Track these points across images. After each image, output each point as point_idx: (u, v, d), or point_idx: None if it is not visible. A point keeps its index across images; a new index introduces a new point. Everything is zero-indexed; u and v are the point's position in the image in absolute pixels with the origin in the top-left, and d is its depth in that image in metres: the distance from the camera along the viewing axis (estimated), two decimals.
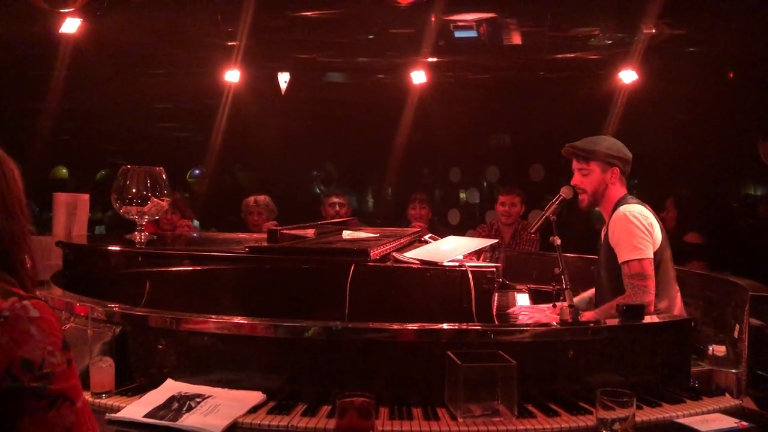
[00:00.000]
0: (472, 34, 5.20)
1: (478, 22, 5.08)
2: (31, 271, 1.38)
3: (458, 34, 5.21)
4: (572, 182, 3.02)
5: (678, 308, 2.87)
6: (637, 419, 1.85)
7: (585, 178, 2.97)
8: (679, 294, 2.91)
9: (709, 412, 2.00)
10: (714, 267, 3.80)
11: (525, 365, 1.94)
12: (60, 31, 4.75)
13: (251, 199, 5.45)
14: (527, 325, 2.55)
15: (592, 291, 3.22)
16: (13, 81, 6.22)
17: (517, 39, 5.32)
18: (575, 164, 3.02)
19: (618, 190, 2.96)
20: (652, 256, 2.75)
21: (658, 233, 2.82)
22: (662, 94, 5.99)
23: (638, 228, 2.76)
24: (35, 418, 1.18)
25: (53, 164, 7.95)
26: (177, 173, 7.19)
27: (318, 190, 8.50)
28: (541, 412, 1.94)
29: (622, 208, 2.85)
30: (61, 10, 4.50)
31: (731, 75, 5.88)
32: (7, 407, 1.18)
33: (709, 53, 5.55)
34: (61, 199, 3.36)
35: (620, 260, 2.78)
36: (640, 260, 2.73)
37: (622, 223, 2.80)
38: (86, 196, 3.43)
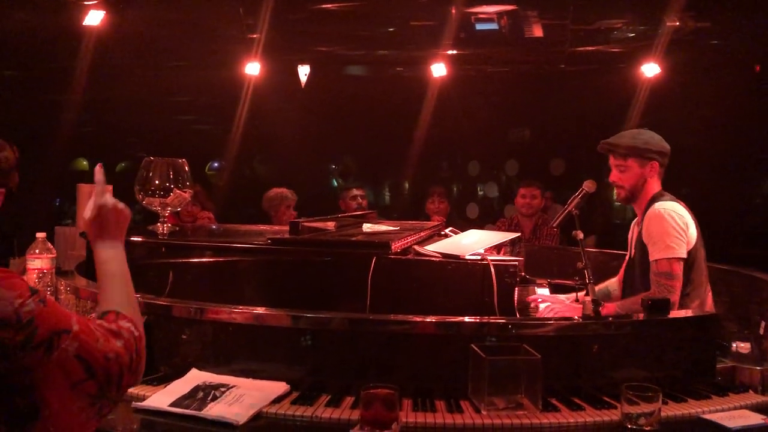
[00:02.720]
0: (493, 26, 5.16)
1: (500, 14, 5.05)
2: None
3: (479, 26, 5.17)
4: (610, 179, 2.98)
5: (708, 308, 2.83)
6: (663, 414, 1.84)
7: (623, 174, 2.92)
8: (710, 294, 2.86)
9: (735, 409, 1.98)
10: (738, 264, 3.75)
11: (549, 359, 1.93)
12: (84, 23, 4.78)
13: (287, 190, 5.40)
14: (551, 319, 2.54)
15: (609, 282, 3.20)
16: (37, 73, 6.28)
17: (538, 31, 5.27)
18: (612, 160, 2.96)
19: (655, 184, 2.92)
20: (683, 256, 2.71)
21: (693, 232, 2.78)
22: (685, 89, 5.92)
23: (673, 227, 2.72)
24: (43, 368, 1.19)
25: (74, 156, 8.02)
26: (196, 166, 7.22)
27: (335, 184, 8.51)
28: (565, 406, 1.93)
29: (658, 205, 2.81)
30: (85, 2, 4.53)
31: (757, 69, 5.79)
32: (9, 369, 1.18)
33: (735, 46, 5.47)
34: (85, 189, 3.39)
35: (651, 257, 2.75)
36: (669, 260, 2.70)
37: (657, 221, 2.76)
38: (109, 187, 3.44)
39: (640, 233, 2.88)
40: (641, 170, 2.90)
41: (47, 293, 1.28)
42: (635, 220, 3.10)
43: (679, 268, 2.70)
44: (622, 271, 3.20)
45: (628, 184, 2.92)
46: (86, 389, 1.23)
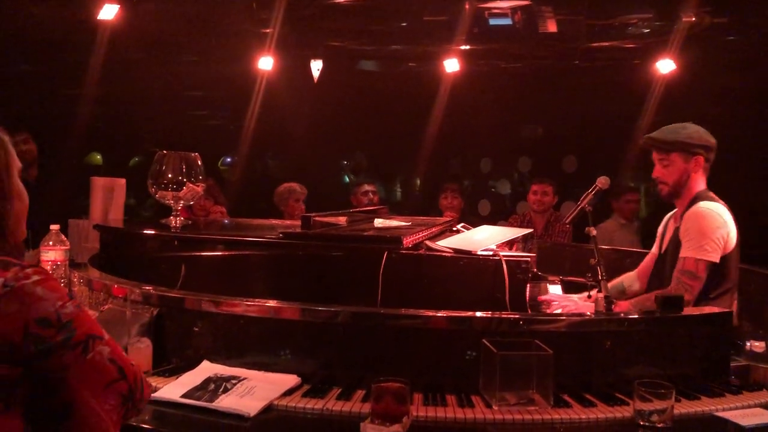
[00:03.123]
0: (507, 21, 5.14)
1: (513, 9, 5.02)
2: (17, 235, 1.47)
3: (493, 21, 5.15)
4: (653, 175, 2.92)
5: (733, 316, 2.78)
6: (676, 412, 1.82)
7: (666, 169, 2.85)
8: (735, 303, 2.81)
9: (748, 407, 1.96)
10: (753, 263, 3.72)
11: (561, 355, 1.91)
12: (98, 18, 4.80)
13: (295, 185, 5.43)
14: (563, 315, 2.53)
15: (624, 276, 3.17)
16: (51, 67, 6.32)
17: (552, 27, 5.24)
18: (655, 155, 2.90)
19: (700, 181, 2.85)
20: (713, 260, 2.66)
21: (733, 236, 2.72)
22: (701, 86, 5.85)
23: (712, 229, 2.68)
24: (79, 367, 1.29)
25: (88, 150, 8.07)
26: (209, 161, 7.25)
27: (347, 179, 8.52)
28: (577, 402, 1.92)
29: (703, 204, 2.75)
30: None
31: None
32: (49, 366, 1.26)
33: (752, 43, 5.40)
34: (98, 183, 3.42)
35: (681, 253, 2.71)
36: (698, 260, 2.66)
37: (698, 219, 2.71)
38: (123, 181, 3.48)
39: (677, 229, 2.82)
40: (685, 165, 2.82)
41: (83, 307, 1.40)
42: (671, 214, 3.04)
43: (704, 272, 2.65)
44: (642, 265, 3.16)
45: (671, 180, 2.85)
46: (119, 388, 1.34)
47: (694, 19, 4.97)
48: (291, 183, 5.49)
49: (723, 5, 4.90)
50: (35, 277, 1.30)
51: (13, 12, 4.97)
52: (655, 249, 3.11)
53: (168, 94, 6.87)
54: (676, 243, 2.80)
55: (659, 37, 5.36)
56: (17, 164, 1.46)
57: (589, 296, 2.80)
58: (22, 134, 4.82)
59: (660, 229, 3.10)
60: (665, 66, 5.60)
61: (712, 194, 2.85)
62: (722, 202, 2.82)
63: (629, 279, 3.18)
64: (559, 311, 2.82)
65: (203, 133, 7.84)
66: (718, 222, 2.69)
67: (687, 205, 2.83)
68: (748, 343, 2.36)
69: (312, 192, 5.61)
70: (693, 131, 2.84)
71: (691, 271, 2.67)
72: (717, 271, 2.70)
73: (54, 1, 4.86)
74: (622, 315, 2.31)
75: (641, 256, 3.71)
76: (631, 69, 5.94)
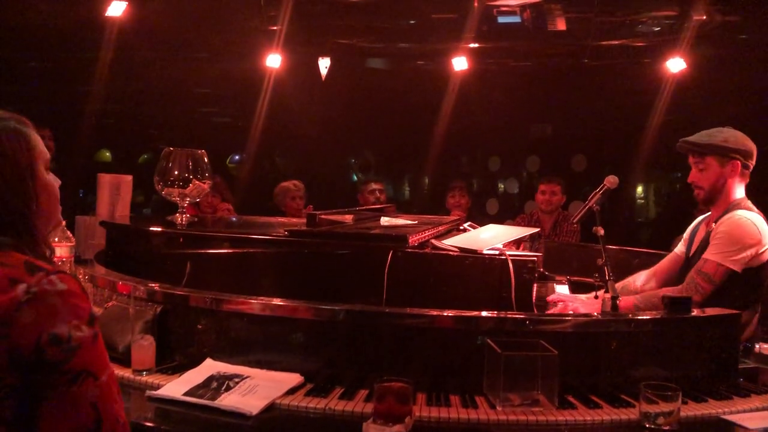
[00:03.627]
0: (516, 19, 5.11)
1: (522, 7, 4.99)
2: (50, 245, 1.41)
3: (501, 19, 5.12)
4: (689, 179, 2.86)
5: (750, 329, 2.69)
6: (683, 414, 1.80)
7: (701, 173, 2.79)
8: (758, 315, 2.73)
9: (756, 410, 1.94)
10: None
11: (566, 355, 1.90)
12: (106, 15, 4.81)
13: (291, 183, 5.47)
14: (569, 314, 2.50)
15: (638, 274, 3.13)
16: (60, 64, 6.34)
17: (561, 25, 5.20)
18: (691, 159, 2.84)
19: (737, 187, 2.78)
20: (735, 268, 2.60)
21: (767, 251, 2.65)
22: (712, 85, 5.80)
23: (743, 239, 2.61)
24: (58, 393, 1.18)
25: (97, 147, 8.10)
26: (217, 158, 7.26)
27: (355, 178, 8.51)
28: (582, 403, 1.90)
29: (741, 212, 2.68)
30: None
31: None
32: (32, 382, 1.17)
33: (763, 41, 5.35)
34: (105, 180, 3.42)
35: (705, 254, 2.67)
36: (719, 265, 2.61)
37: (732, 225, 2.65)
38: (129, 177, 3.48)
39: (708, 233, 2.76)
40: (721, 170, 2.75)
41: (99, 334, 1.27)
42: (703, 218, 2.98)
43: (721, 278, 2.60)
44: (661, 264, 3.09)
45: (706, 185, 2.79)
46: None
47: (705, 17, 4.92)
48: (286, 182, 5.52)
49: (734, 3, 4.85)
50: (61, 286, 1.22)
51: (22, 9, 4.99)
52: (679, 249, 3.04)
53: (176, 91, 6.88)
54: (705, 247, 2.73)
55: (670, 35, 5.31)
56: (44, 157, 1.39)
57: (596, 296, 2.78)
58: (46, 130, 4.85)
59: (688, 231, 3.04)
60: (676, 65, 5.55)
61: (750, 204, 2.77)
62: (760, 213, 2.74)
63: (645, 277, 3.12)
64: (563, 304, 2.80)
65: (211, 131, 7.85)
66: (753, 234, 2.62)
67: (723, 211, 2.76)
68: (757, 346, 2.34)
69: (320, 190, 5.62)
70: (730, 135, 2.77)
71: (708, 273, 2.62)
72: (747, 281, 2.64)
73: None
74: (629, 316, 2.27)
75: (650, 256, 3.68)
76: (641, 68, 5.89)
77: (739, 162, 2.75)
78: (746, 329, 2.67)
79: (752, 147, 2.78)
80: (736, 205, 2.74)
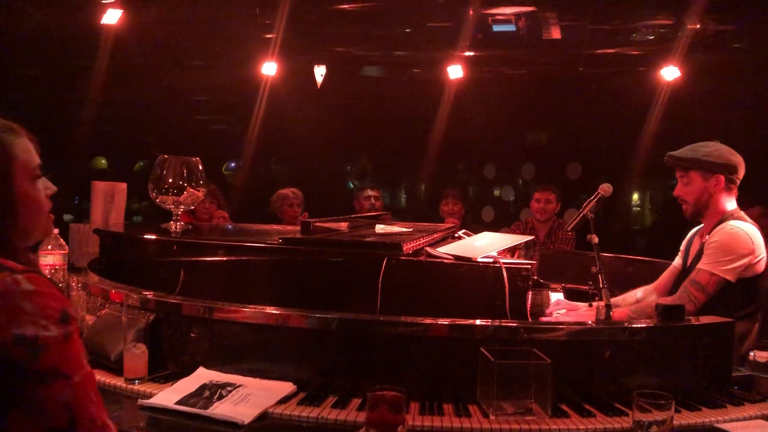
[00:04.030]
0: (511, 27, 5.13)
1: (517, 15, 5.01)
2: (23, 244, 1.34)
3: (496, 27, 5.14)
4: (674, 193, 2.88)
5: (751, 340, 2.70)
6: (676, 423, 1.79)
7: (686, 187, 2.81)
8: (757, 325, 2.74)
9: (750, 419, 1.93)
10: None
11: (559, 364, 1.89)
12: (101, 22, 4.81)
13: (288, 190, 5.46)
14: (562, 323, 2.50)
15: (642, 288, 3.13)
16: (56, 71, 6.34)
17: (556, 33, 5.22)
18: (677, 173, 2.87)
19: (725, 200, 2.79)
20: (729, 278, 2.61)
21: (762, 259, 2.66)
22: (706, 93, 5.82)
23: (736, 249, 2.62)
24: (27, 394, 1.14)
25: (93, 155, 8.09)
26: (213, 166, 7.26)
27: (351, 185, 8.51)
28: (576, 412, 1.90)
29: (733, 222, 2.69)
30: (103, 1, 4.56)
31: None
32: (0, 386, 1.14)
33: (757, 50, 5.37)
34: (99, 187, 3.41)
35: (699, 264, 2.68)
36: (712, 275, 2.61)
37: (724, 236, 2.66)
38: (124, 185, 3.47)
39: (702, 245, 2.77)
40: (704, 184, 2.77)
41: (78, 332, 1.22)
42: (696, 230, 3.00)
43: (714, 287, 2.61)
44: (661, 279, 3.10)
45: (691, 199, 2.81)
46: None
47: (698, 26, 4.95)
48: (284, 189, 5.51)
49: (728, 12, 4.87)
50: (26, 286, 1.18)
51: (18, 16, 4.99)
52: (677, 262, 3.06)
53: (172, 98, 6.89)
54: (700, 258, 2.74)
55: (664, 44, 5.34)
56: (28, 167, 1.33)
57: (591, 305, 2.78)
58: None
59: (684, 243, 3.05)
60: (670, 73, 5.58)
61: (743, 214, 2.78)
62: (755, 224, 2.75)
63: (646, 291, 3.13)
64: (561, 311, 2.80)
65: (207, 138, 7.85)
66: (746, 245, 2.63)
67: (716, 223, 2.76)
68: (752, 354, 2.33)
69: (316, 197, 5.62)
70: (713, 149, 2.78)
71: (701, 283, 2.62)
72: (746, 292, 2.65)
73: (58, 5, 4.88)
74: (622, 324, 2.27)
75: (644, 265, 3.69)
76: (636, 76, 5.92)
77: (722, 176, 2.76)
78: (746, 340, 2.67)
79: (736, 161, 2.78)
80: (729, 216, 2.75)
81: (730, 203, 2.81)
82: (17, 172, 1.31)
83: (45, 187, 1.41)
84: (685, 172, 2.82)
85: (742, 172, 2.80)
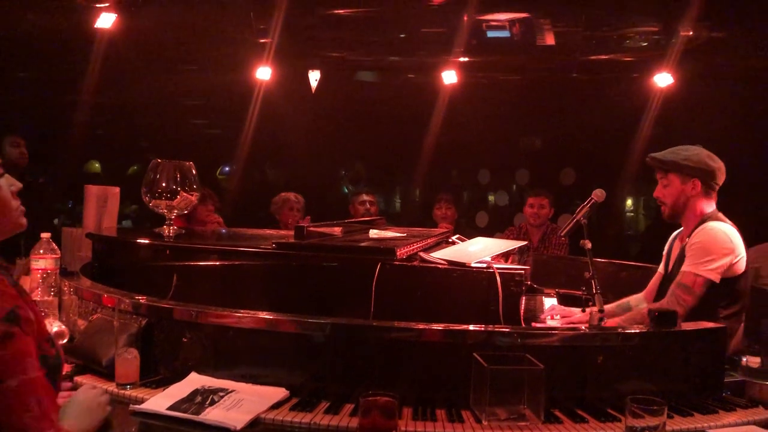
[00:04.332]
0: (505, 33, 5.15)
1: (512, 21, 5.03)
2: None
3: (491, 33, 5.16)
4: (654, 194, 2.92)
5: (737, 339, 2.72)
6: (668, 429, 1.80)
7: (665, 189, 2.86)
8: (742, 325, 2.76)
9: (743, 424, 1.94)
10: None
11: (553, 369, 1.89)
12: (95, 26, 4.80)
13: (291, 194, 5.45)
14: (555, 328, 2.50)
15: (632, 297, 3.14)
16: (50, 75, 6.32)
17: (550, 39, 5.24)
18: (657, 175, 2.91)
19: (703, 204, 2.82)
20: (713, 278, 2.63)
21: (742, 259, 2.68)
22: (699, 99, 5.86)
23: (717, 248, 2.65)
24: None
25: (86, 158, 8.07)
26: (207, 170, 7.25)
27: (346, 190, 8.51)
28: (569, 417, 1.90)
29: (711, 224, 2.72)
30: (97, 5, 4.55)
31: None
32: None
33: (749, 57, 5.41)
34: (92, 191, 3.40)
35: (682, 267, 2.70)
36: (697, 276, 2.64)
37: (704, 237, 2.69)
38: (116, 189, 3.46)
39: (683, 248, 2.79)
40: (682, 187, 2.81)
41: (27, 335, 1.14)
42: (677, 233, 3.02)
43: (701, 288, 2.63)
44: (649, 286, 3.13)
45: (669, 201, 2.85)
46: None
47: (691, 33, 4.97)
48: (288, 192, 5.50)
49: (721, 20, 4.90)
50: None
51: (12, 20, 4.97)
52: (661, 269, 3.08)
53: (166, 102, 6.89)
54: (681, 261, 2.77)
55: (657, 50, 5.37)
56: None
57: (583, 310, 2.78)
58: (15, 137, 4.82)
59: (666, 248, 3.08)
60: (663, 80, 5.60)
61: (721, 216, 2.81)
62: (734, 225, 2.78)
63: (636, 299, 3.15)
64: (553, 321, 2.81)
65: (201, 142, 7.85)
66: (726, 244, 2.66)
67: (695, 225, 2.79)
68: (744, 359, 2.34)
69: (310, 202, 5.61)
70: (692, 154, 2.82)
71: (686, 285, 2.65)
72: (728, 293, 2.67)
73: (52, 9, 4.86)
74: (615, 330, 2.28)
75: (637, 270, 3.70)
76: (629, 82, 5.95)
77: (698, 181, 2.79)
78: (731, 341, 2.68)
79: (715, 167, 2.81)
80: (708, 219, 2.78)
81: (709, 206, 2.83)
82: None
83: (9, 184, 1.41)
84: (664, 174, 2.86)
85: (721, 178, 2.83)
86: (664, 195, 2.88)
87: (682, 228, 2.96)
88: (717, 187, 2.84)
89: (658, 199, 2.91)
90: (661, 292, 2.94)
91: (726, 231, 2.70)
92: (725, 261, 2.65)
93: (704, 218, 2.79)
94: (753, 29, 4.95)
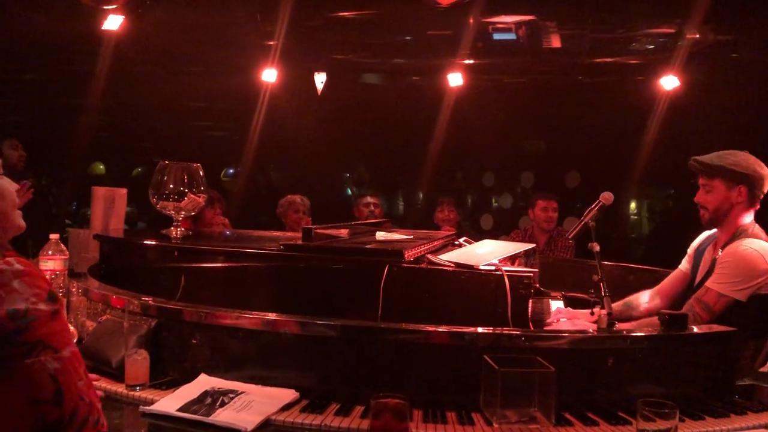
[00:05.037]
0: (511, 36, 5.14)
1: (518, 24, 5.03)
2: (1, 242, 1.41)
3: (497, 36, 5.16)
4: (695, 199, 2.81)
5: (765, 353, 2.61)
6: None
7: (708, 195, 2.74)
8: None
9: (754, 428, 1.93)
10: None
11: (563, 372, 1.89)
12: (102, 28, 4.81)
13: (296, 197, 5.45)
14: (565, 331, 2.49)
15: (639, 293, 3.11)
16: (56, 77, 6.33)
17: (556, 42, 5.24)
18: (700, 180, 2.79)
19: (744, 213, 2.72)
20: (739, 298, 2.55)
21: None
22: (705, 102, 5.84)
23: (749, 271, 2.55)
24: (14, 365, 1.18)
25: (91, 160, 8.09)
26: (212, 172, 7.25)
27: (350, 192, 8.51)
28: (579, 420, 1.89)
29: (746, 242, 2.61)
30: (105, 7, 4.56)
31: None
32: None
33: (756, 60, 5.40)
34: (99, 193, 3.41)
35: (707, 283, 2.63)
36: (721, 296, 2.56)
37: (736, 257, 2.58)
38: (124, 191, 3.47)
39: (714, 260, 2.71)
40: (727, 193, 2.70)
41: (64, 312, 1.29)
42: (708, 237, 2.92)
43: (722, 307, 2.55)
44: (665, 283, 3.06)
45: (711, 206, 2.74)
46: (44, 412, 1.19)
47: (698, 35, 4.97)
48: (294, 195, 5.50)
49: (727, 22, 4.89)
50: (17, 266, 1.25)
51: (19, 22, 4.99)
52: (684, 266, 3.00)
53: (172, 104, 6.89)
54: (711, 272, 2.69)
55: (663, 53, 5.35)
56: None
57: (592, 313, 2.77)
58: (12, 140, 4.86)
59: (693, 248, 2.98)
60: (669, 82, 5.59)
61: (758, 229, 2.71)
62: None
63: (645, 295, 3.08)
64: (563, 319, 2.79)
65: (206, 144, 7.85)
66: (760, 266, 2.55)
67: (730, 235, 2.71)
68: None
69: (314, 204, 5.61)
70: (741, 159, 2.72)
71: (708, 303, 2.58)
72: (756, 309, 2.57)
73: (59, 11, 4.88)
74: (625, 332, 2.27)
75: (645, 273, 3.68)
76: (635, 85, 5.94)
77: (745, 188, 2.69)
78: (760, 355, 2.64)
79: (764, 174, 2.70)
80: (744, 232, 2.68)
81: (749, 216, 2.74)
82: None
83: (8, 184, 1.46)
84: (708, 179, 2.75)
85: (767, 187, 2.73)
86: (706, 200, 2.77)
87: (714, 231, 2.87)
88: (761, 196, 2.74)
89: (699, 204, 2.80)
90: (687, 296, 2.85)
91: (761, 251, 2.58)
92: (755, 282, 2.56)
93: (741, 230, 2.69)
94: (760, 31, 4.94)
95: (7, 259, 1.25)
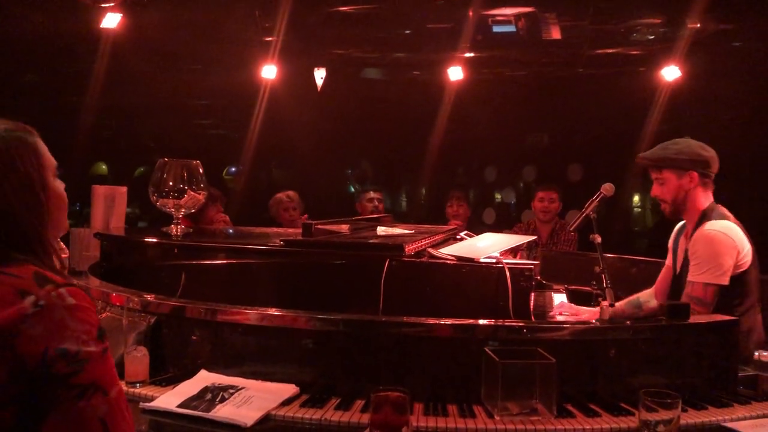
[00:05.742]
0: (511, 28, 5.13)
1: (517, 16, 5.01)
2: (60, 255, 1.37)
3: (496, 28, 5.14)
4: (651, 193, 2.87)
5: (758, 333, 2.70)
6: (683, 422, 1.78)
7: (662, 187, 2.80)
8: (760, 317, 2.73)
9: (757, 418, 1.92)
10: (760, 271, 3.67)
11: (564, 363, 1.88)
12: (101, 26, 4.81)
13: (284, 194, 5.46)
14: (567, 322, 2.49)
15: (642, 293, 3.11)
16: (55, 76, 6.33)
17: (556, 34, 5.22)
18: (651, 174, 2.85)
19: (702, 196, 2.76)
20: (722, 283, 2.58)
21: (746, 254, 2.63)
22: (707, 93, 5.81)
23: (720, 253, 2.58)
24: (65, 408, 1.15)
25: (93, 160, 8.08)
26: (213, 170, 7.25)
27: (352, 189, 8.49)
28: (581, 412, 1.88)
29: (708, 226, 2.65)
30: (102, 5, 4.56)
31: None
32: (38, 394, 1.15)
33: (757, 49, 5.37)
34: (100, 191, 3.40)
35: (689, 276, 2.65)
36: (706, 286, 2.59)
37: (705, 242, 2.62)
38: (124, 189, 3.46)
39: (687, 251, 2.74)
40: (679, 182, 2.75)
41: (108, 350, 1.25)
42: (680, 227, 2.96)
43: (712, 296, 2.58)
44: (657, 283, 3.08)
45: (668, 198, 2.79)
46: None
47: (699, 25, 4.94)
48: (280, 193, 5.50)
49: (728, 11, 4.86)
50: (69, 300, 1.19)
51: (16, 21, 4.98)
52: (668, 262, 3.03)
53: (172, 103, 6.88)
54: (687, 264, 2.72)
55: (664, 43, 5.33)
56: (52, 164, 1.38)
57: (596, 305, 2.76)
58: None
59: (670, 242, 3.02)
60: (670, 73, 5.56)
61: (721, 209, 2.75)
62: (732, 218, 2.73)
63: (646, 295, 3.11)
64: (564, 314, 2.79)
65: (207, 142, 7.84)
66: (727, 245, 2.60)
67: (696, 221, 2.74)
68: (757, 353, 2.31)
69: (317, 201, 5.61)
70: (684, 146, 2.76)
71: (698, 297, 2.59)
72: (737, 289, 2.62)
73: (57, 9, 4.87)
74: (627, 323, 2.26)
75: (647, 265, 3.67)
76: (636, 76, 5.91)
77: (695, 173, 2.73)
78: (754, 333, 2.66)
79: (708, 156, 2.75)
80: (707, 215, 2.72)
81: (707, 199, 2.78)
82: (47, 171, 1.36)
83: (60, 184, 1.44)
84: (658, 172, 2.80)
85: (715, 167, 2.78)
86: (662, 193, 2.81)
87: (684, 222, 2.91)
88: (713, 176, 2.79)
89: (656, 197, 2.86)
90: (673, 293, 2.89)
91: (725, 230, 2.63)
92: (731, 263, 2.59)
93: (705, 213, 2.73)
94: (761, 20, 4.91)
95: (60, 290, 1.20)
